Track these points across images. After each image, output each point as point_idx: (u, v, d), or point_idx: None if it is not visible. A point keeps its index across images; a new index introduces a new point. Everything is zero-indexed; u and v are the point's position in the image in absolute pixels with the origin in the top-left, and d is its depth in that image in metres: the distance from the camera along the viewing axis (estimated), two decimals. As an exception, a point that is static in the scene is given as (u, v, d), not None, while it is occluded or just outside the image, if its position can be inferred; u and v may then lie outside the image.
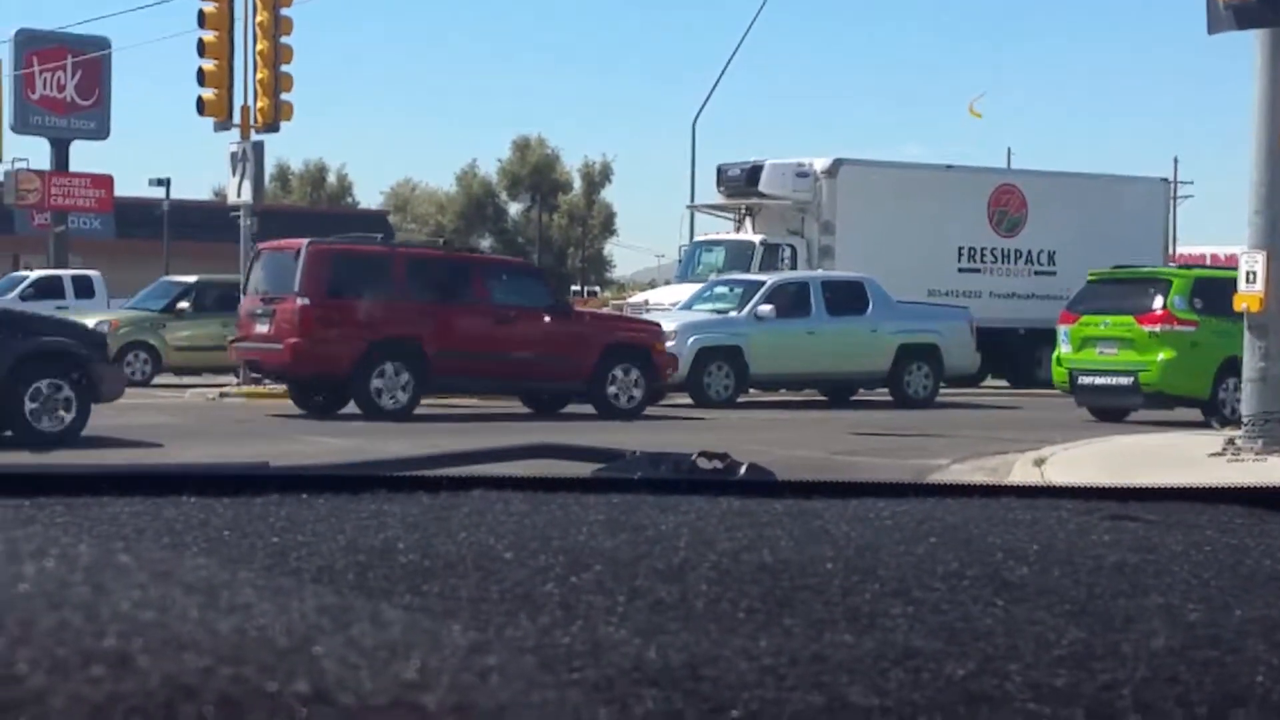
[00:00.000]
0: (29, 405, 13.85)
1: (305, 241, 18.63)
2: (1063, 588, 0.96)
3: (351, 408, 18.19)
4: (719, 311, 22.48)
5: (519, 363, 18.44)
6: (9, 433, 13.89)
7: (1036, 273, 30.43)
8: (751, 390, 22.26)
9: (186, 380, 24.61)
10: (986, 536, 1.08)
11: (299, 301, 17.98)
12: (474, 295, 18.70)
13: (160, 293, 26.89)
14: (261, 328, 18.48)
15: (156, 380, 24.87)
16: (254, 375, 19.93)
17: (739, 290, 23.12)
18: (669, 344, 20.60)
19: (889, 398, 22.87)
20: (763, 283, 23.05)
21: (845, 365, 22.34)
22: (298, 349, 17.79)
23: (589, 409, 18.92)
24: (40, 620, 0.55)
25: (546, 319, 18.88)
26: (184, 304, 26.06)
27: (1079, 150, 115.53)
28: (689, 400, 21.34)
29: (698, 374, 21.37)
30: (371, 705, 0.55)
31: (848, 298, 23.10)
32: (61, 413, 14.01)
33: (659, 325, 20.47)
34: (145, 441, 13.91)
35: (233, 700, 0.52)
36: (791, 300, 22.52)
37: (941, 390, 23.89)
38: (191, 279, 27.76)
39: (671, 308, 23.02)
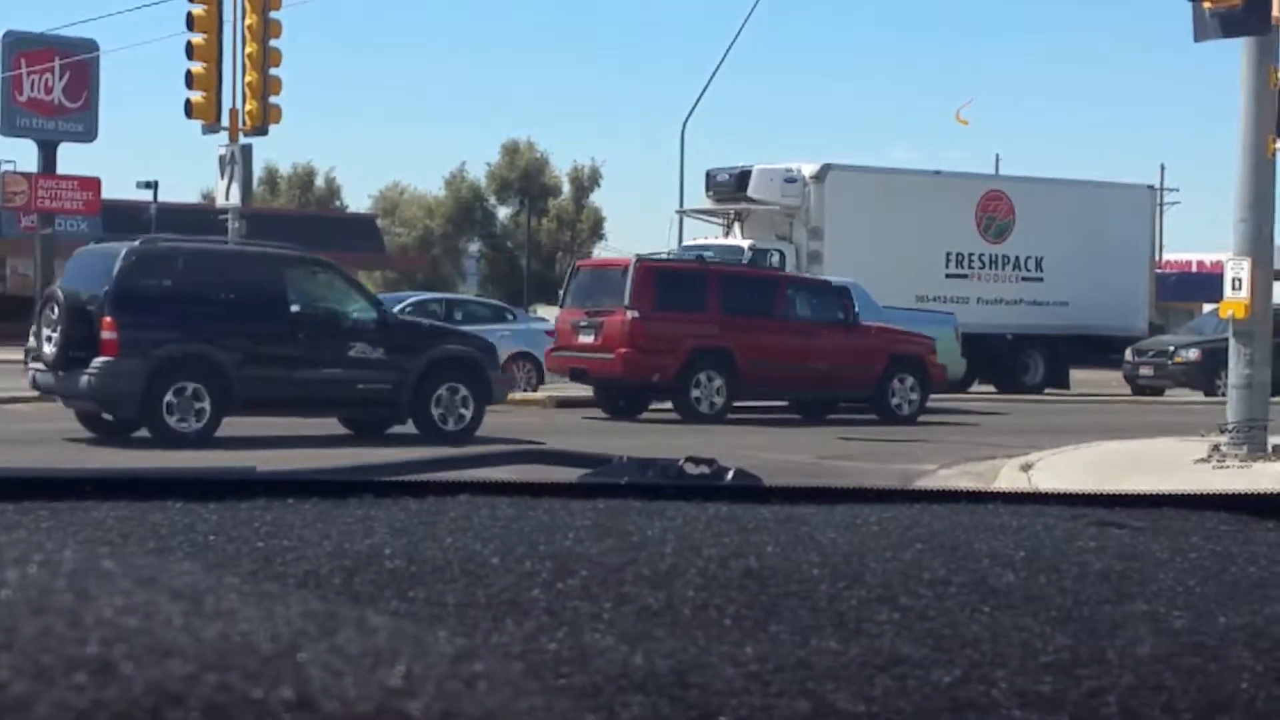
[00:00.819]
0: (435, 405, 15.75)
1: (633, 259, 20.42)
2: (1049, 594, 0.96)
3: (649, 412, 19.42)
4: None
5: (815, 373, 19.60)
6: (414, 429, 15.63)
7: (1024, 279, 30.48)
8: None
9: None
10: (973, 543, 1.08)
11: (629, 314, 19.32)
12: (776, 309, 19.90)
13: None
14: (586, 338, 19.82)
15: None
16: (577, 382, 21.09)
17: None
18: None
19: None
20: None
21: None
22: (628, 358, 19.11)
23: (846, 414, 19.64)
24: (23, 626, 0.54)
25: (839, 332, 20.00)
26: None
27: (1067, 157, 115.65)
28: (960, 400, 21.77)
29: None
30: (357, 712, 0.54)
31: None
32: (461, 412, 15.89)
33: (932, 338, 21.17)
34: (531, 439, 14.76)
35: (218, 707, 0.52)
36: None
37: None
38: None
39: None
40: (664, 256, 22.33)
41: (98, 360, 14.36)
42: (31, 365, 15.25)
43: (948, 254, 29.75)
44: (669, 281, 19.74)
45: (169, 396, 14.51)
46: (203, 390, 14.62)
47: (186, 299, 14.66)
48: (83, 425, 15.10)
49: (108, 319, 14.39)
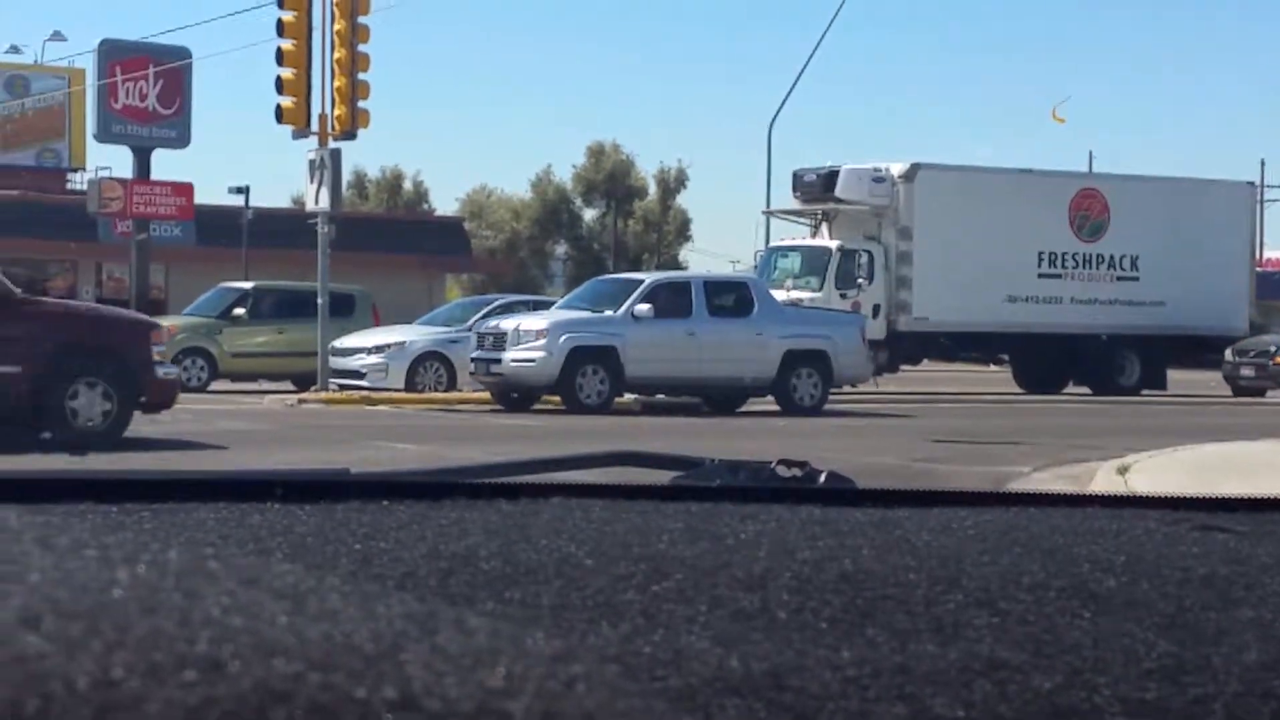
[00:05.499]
0: None
1: None
2: (1151, 600, 0.94)
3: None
4: (595, 310, 21.36)
5: None
6: None
7: (1119, 278, 30.10)
8: (628, 394, 21.09)
9: (242, 387, 24.78)
10: (1072, 547, 1.07)
11: None
12: None
13: (217, 299, 27.04)
14: None
15: (212, 387, 25.05)
16: None
17: (616, 289, 22.11)
18: (539, 342, 20.23)
19: (776, 405, 21.41)
20: (640, 281, 22.01)
21: (728, 370, 20.99)
22: None
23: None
24: (136, 625, 0.55)
25: None
26: (240, 310, 26.22)
27: (1162, 153, 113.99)
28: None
29: (569, 376, 20.24)
30: (458, 712, 0.55)
31: (731, 299, 21.76)
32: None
33: None
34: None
35: (322, 706, 0.52)
36: (671, 300, 21.26)
37: (1021, 396, 23.39)
38: (248, 285, 27.85)
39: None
40: None
41: None
42: None
43: (1040, 254, 29.44)
44: None
45: None
46: None
47: None
48: None
49: None
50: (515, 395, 20.64)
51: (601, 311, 21.18)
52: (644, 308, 20.89)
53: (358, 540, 1.01)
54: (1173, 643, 0.86)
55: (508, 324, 21.14)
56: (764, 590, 0.91)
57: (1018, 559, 1.02)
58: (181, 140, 35.59)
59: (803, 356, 21.51)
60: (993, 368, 32.27)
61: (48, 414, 13.80)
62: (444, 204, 71.56)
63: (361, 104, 23.44)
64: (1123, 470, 13.67)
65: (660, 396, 21.65)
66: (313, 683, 0.53)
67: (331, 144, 23.55)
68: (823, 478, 1.46)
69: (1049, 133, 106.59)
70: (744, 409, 21.61)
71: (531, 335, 20.53)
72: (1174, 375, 30.43)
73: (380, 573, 0.93)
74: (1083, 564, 1.01)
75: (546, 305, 26.26)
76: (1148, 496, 1.32)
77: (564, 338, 20.38)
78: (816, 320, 22.86)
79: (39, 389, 13.63)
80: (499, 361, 20.56)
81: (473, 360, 21.30)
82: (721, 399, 21.35)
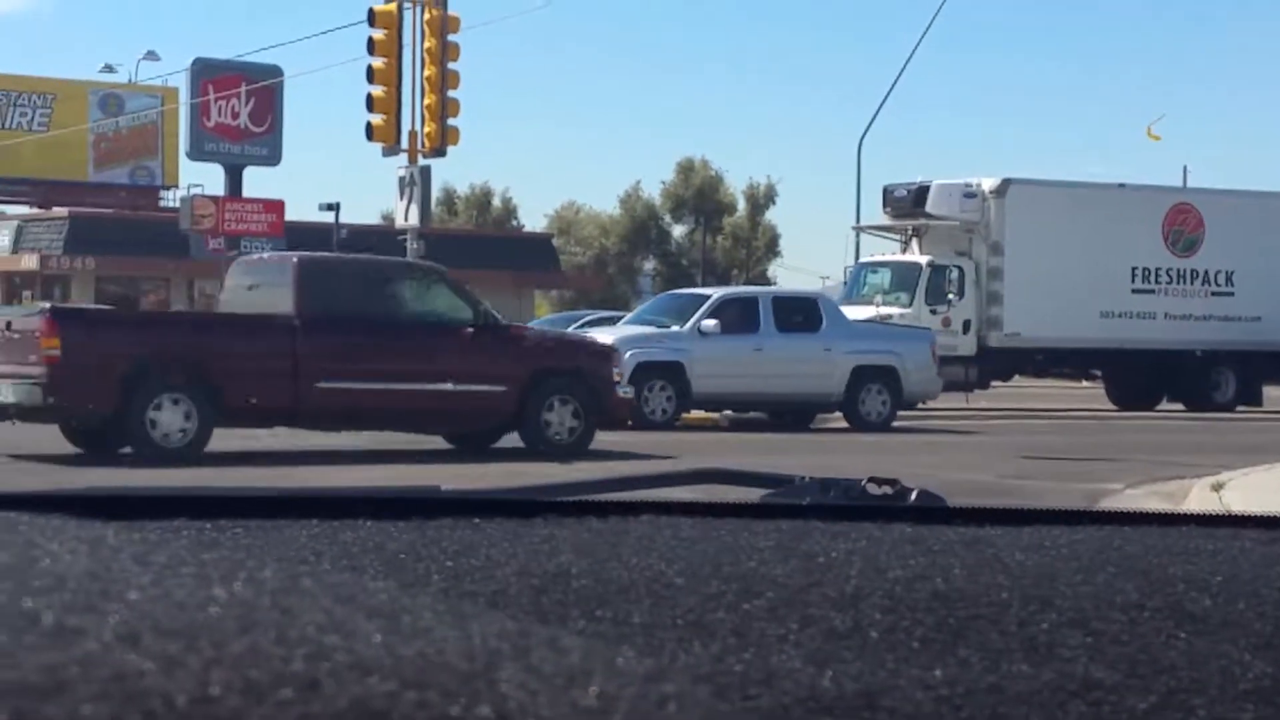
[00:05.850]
0: None
1: None
2: (1248, 620, 0.93)
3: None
4: (662, 325, 21.09)
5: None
6: None
7: (1214, 294, 29.64)
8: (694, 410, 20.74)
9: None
10: (1167, 566, 1.05)
11: None
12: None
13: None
14: None
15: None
16: None
17: (684, 304, 21.83)
18: None
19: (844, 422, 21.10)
20: (708, 297, 21.71)
21: (796, 386, 20.61)
22: None
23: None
24: (232, 643, 0.56)
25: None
26: None
27: (1263, 168, 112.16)
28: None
29: (635, 391, 19.34)
30: None
31: (799, 315, 21.41)
32: None
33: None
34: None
35: None
36: (738, 316, 20.95)
37: (1114, 412, 23.05)
38: None
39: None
40: None
41: None
42: None
43: (1133, 269, 29.07)
44: None
45: None
46: None
47: None
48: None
49: None
50: None
51: (668, 327, 21.05)
52: (711, 323, 20.73)
53: (449, 558, 1.02)
54: (1270, 663, 0.84)
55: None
56: (855, 609, 0.91)
57: (1112, 578, 1.01)
58: (273, 158, 36.06)
59: (871, 373, 21.23)
60: (1085, 384, 31.92)
61: (525, 427, 15.49)
62: (533, 220, 71.98)
63: (451, 121, 23.62)
64: (1218, 488, 13.44)
65: (727, 412, 21.57)
66: (408, 701, 0.54)
67: (421, 161, 23.75)
68: (913, 495, 1.45)
69: (1153, 150, 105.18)
70: (812, 425, 21.48)
71: None
72: (1270, 391, 29.92)
73: (472, 590, 0.94)
74: (1178, 583, 1.00)
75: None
76: (1244, 515, 1.31)
77: (630, 353, 19.90)
78: (886, 336, 22.58)
79: (520, 405, 15.37)
80: None
81: None
82: (789, 415, 21.15)
